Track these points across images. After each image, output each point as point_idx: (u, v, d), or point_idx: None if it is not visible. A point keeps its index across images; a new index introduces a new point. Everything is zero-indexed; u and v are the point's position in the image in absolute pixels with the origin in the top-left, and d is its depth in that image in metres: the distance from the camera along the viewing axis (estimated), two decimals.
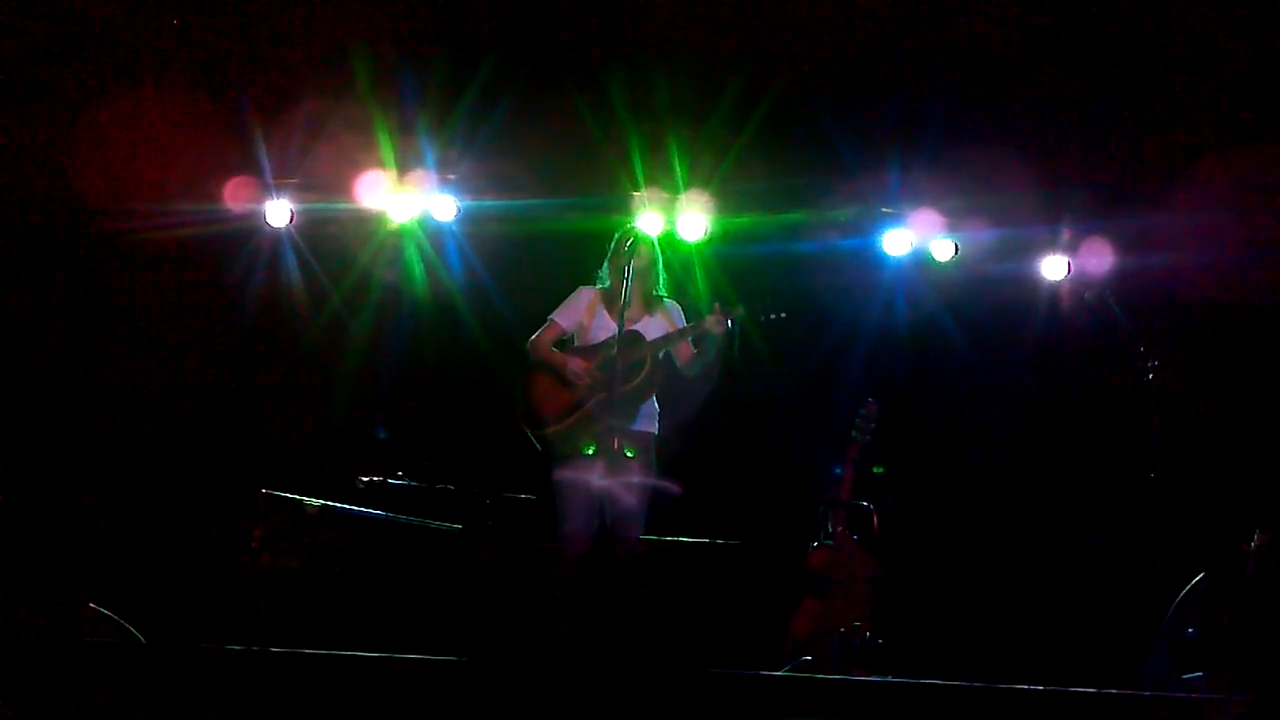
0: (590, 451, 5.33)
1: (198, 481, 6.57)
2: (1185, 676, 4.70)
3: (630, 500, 5.32)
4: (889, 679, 4.65)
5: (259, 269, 6.94)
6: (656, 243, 5.87)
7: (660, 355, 5.58)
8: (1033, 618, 6.39)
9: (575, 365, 5.54)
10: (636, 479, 5.37)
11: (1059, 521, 6.69)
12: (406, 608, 4.89)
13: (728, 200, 6.75)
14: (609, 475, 5.29)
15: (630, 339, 5.46)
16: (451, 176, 6.75)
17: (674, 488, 5.54)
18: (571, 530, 5.35)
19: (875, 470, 6.02)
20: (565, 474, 5.45)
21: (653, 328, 5.62)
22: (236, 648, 3.44)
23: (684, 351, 5.62)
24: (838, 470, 5.91)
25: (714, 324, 5.44)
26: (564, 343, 5.71)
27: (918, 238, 6.89)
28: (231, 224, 6.79)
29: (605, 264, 5.74)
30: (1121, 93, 6.30)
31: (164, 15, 6.11)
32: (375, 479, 5.67)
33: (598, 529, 5.34)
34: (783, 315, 5.52)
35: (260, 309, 6.95)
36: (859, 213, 6.91)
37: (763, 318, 5.52)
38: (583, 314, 5.68)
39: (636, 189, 6.68)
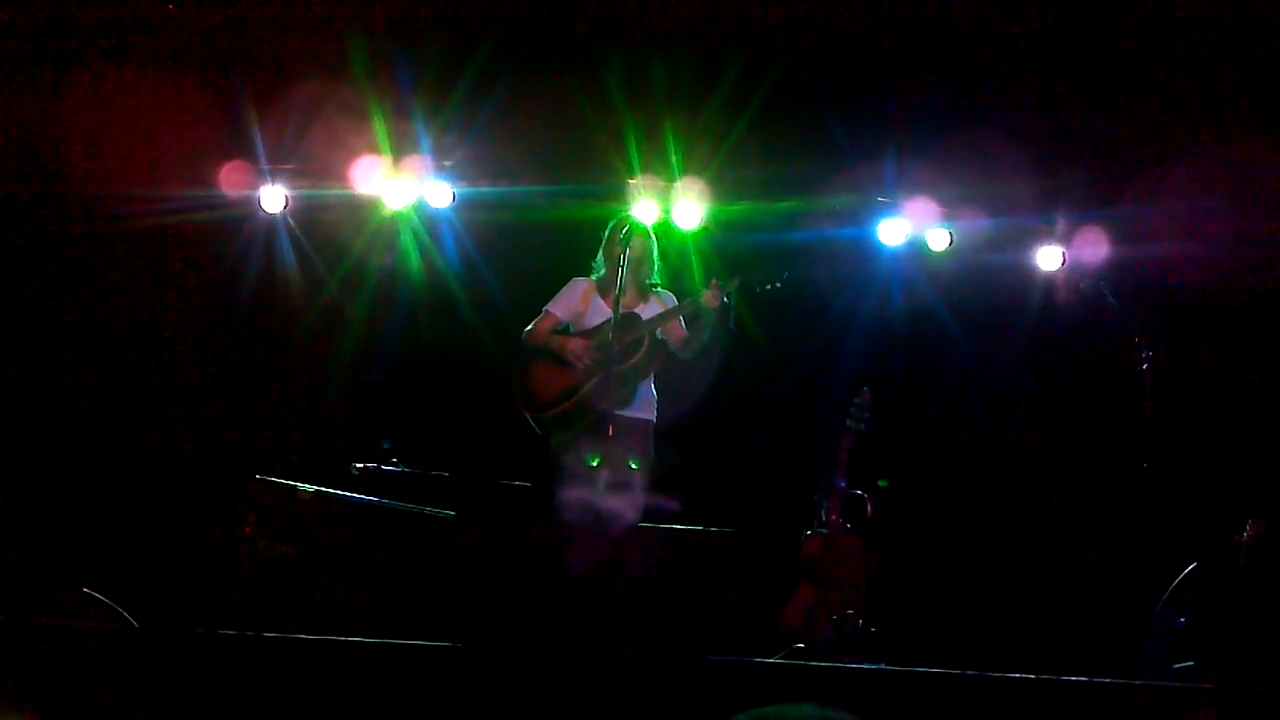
0: (595, 464, 5.33)
1: (191, 467, 6.56)
2: (1176, 666, 4.71)
3: (631, 516, 5.35)
4: (881, 666, 4.67)
5: (254, 255, 6.93)
6: (651, 231, 5.88)
7: (658, 334, 5.59)
8: (1025, 606, 6.41)
9: (574, 346, 5.56)
10: (637, 496, 5.39)
11: (1051, 510, 6.70)
12: (400, 594, 4.90)
13: (723, 188, 6.74)
14: (612, 494, 5.30)
15: (627, 320, 5.48)
16: (447, 163, 6.74)
17: (674, 504, 5.55)
18: (575, 556, 5.35)
19: (880, 484, 6.04)
20: (569, 493, 5.45)
21: (648, 314, 5.63)
22: (229, 633, 3.44)
23: (677, 333, 5.62)
24: (840, 482, 5.91)
25: (709, 299, 5.45)
26: (559, 333, 5.71)
27: (913, 227, 6.89)
28: (226, 209, 6.78)
29: (599, 253, 5.74)
30: (1116, 83, 6.29)
31: None
32: (369, 465, 5.67)
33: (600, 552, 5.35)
34: (778, 285, 5.51)
35: (255, 295, 6.94)
36: (855, 202, 6.90)
37: (758, 289, 5.52)
38: (578, 303, 5.69)
39: (632, 176, 6.67)
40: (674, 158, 6.63)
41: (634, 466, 5.39)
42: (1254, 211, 6.43)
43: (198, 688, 3.20)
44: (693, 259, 6.83)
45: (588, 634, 3.97)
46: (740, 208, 6.84)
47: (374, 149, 6.63)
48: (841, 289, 6.99)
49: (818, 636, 5.54)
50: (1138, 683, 4.19)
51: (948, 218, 6.87)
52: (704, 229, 6.81)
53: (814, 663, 4.86)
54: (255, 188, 6.78)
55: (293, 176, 6.80)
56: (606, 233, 5.73)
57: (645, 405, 5.59)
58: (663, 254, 5.90)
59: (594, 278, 5.74)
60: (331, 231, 6.98)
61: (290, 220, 6.94)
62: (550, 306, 5.72)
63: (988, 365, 6.98)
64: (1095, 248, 6.80)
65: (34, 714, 3.05)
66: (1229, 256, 6.45)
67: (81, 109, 6.31)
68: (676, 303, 5.74)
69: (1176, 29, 5.93)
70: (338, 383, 6.90)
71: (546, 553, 4.15)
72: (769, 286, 5.52)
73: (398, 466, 5.74)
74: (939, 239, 6.88)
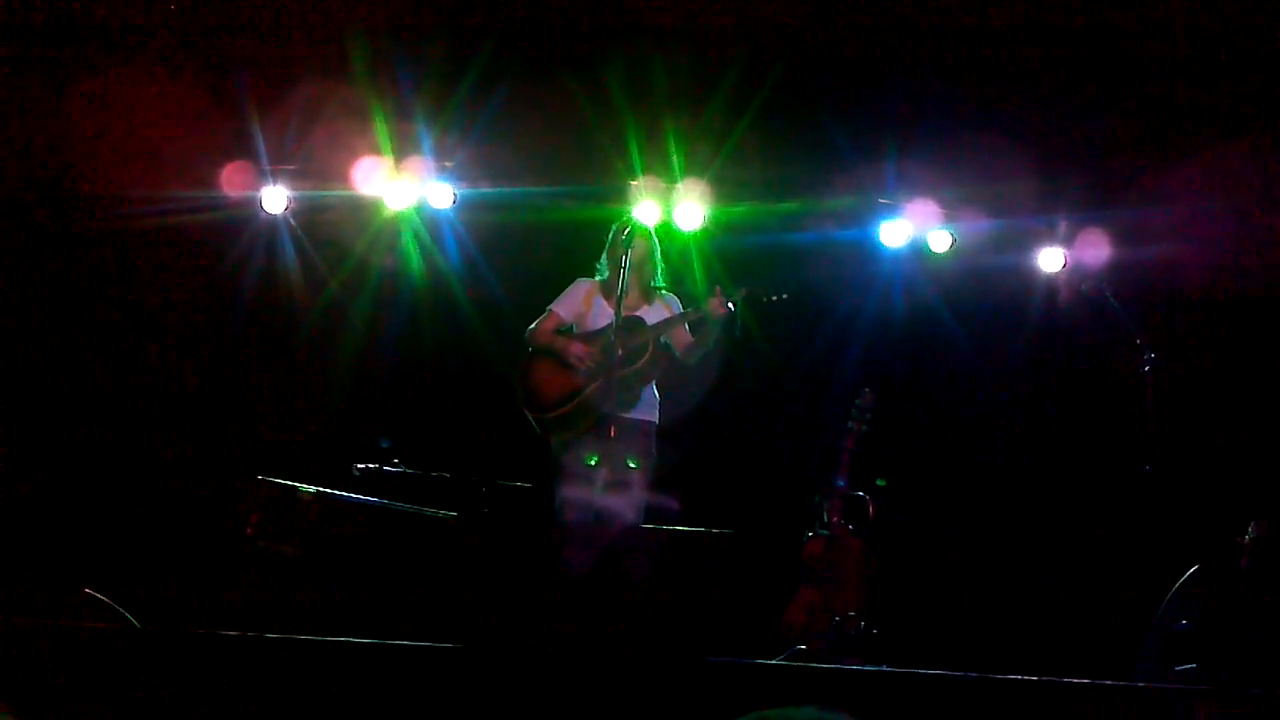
0: (593, 463, 5.33)
1: (194, 467, 6.56)
2: (1178, 668, 4.70)
3: (631, 516, 5.34)
4: (883, 668, 4.66)
5: (255, 255, 6.93)
6: (654, 233, 5.88)
7: (662, 340, 5.59)
8: (1027, 608, 6.40)
9: (576, 349, 5.56)
10: (637, 496, 5.39)
11: (1053, 512, 6.70)
12: (401, 594, 4.90)
13: (725, 189, 6.74)
14: (611, 492, 5.30)
15: (630, 324, 5.48)
16: (449, 164, 6.74)
17: (673, 503, 5.55)
18: (574, 556, 5.35)
19: (878, 483, 6.04)
20: (568, 493, 5.45)
21: (652, 317, 5.63)
22: (229, 633, 3.43)
23: (681, 339, 5.63)
24: (842, 483, 5.90)
25: (715, 307, 5.45)
26: (563, 333, 5.71)
27: (915, 229, 6.89)
28: (228, 210, 6.78)
29: (603, 255, 5.75)
30: (1117, 84, 6.29)
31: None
32: (371, 466, 5.68)
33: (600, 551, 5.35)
34: (784, 297, 5.53)
35: (256, 295, 6.94)
36: (856, 203, 6.90)
37: (765, 300, 5.53)
38: (581, 304, 5.69)
39: (633, 177, 6.67)
40: (675, 159, 6.63)
41: (633, 466, 5.39)
42: (1254, 212, 6.43)
43: (198, 688, 3.20)
44: (694, 260, 6.83)
45: (588, 634, 3.97)
46: (741, 209, 6.84)
47: (375, 150, 6.63)
48: (843, 290, 6.99)
49: (819, 638, 5.54)
50: (1139, 685, 4.19)
51: (949, 219, 6.87)
52: (705, 230, 6.81)
53: (815, 664, 4.86)
54: (257, 188, 6.79)
55: (294, 177, 6.80)
56: (610, 234, 5.73)
57: (647, 407, 5.59)
58: (664, 255, 5.90)
59: (598, 279, 5.75)
60: (333, 232, 6.98)
61: (292, 221, 6.95)
62: (554, 306, 5.73)
63: (989, 367, 6.97)
64: (1097, 249, 6.79)
65: (33, 715, 3.05)
66: (1230, 258, 6.45)
67: (83, 109, 6.31)
68: (681, 305, 5.74)
69: (1177, 30, 5.93)
70: (339, 383, 6.91)
71: (546, 553, 4.15)
72: (775, 298, 5.53)
73: (399, 467, 5.74)
74: (940, 240, 6.87)
